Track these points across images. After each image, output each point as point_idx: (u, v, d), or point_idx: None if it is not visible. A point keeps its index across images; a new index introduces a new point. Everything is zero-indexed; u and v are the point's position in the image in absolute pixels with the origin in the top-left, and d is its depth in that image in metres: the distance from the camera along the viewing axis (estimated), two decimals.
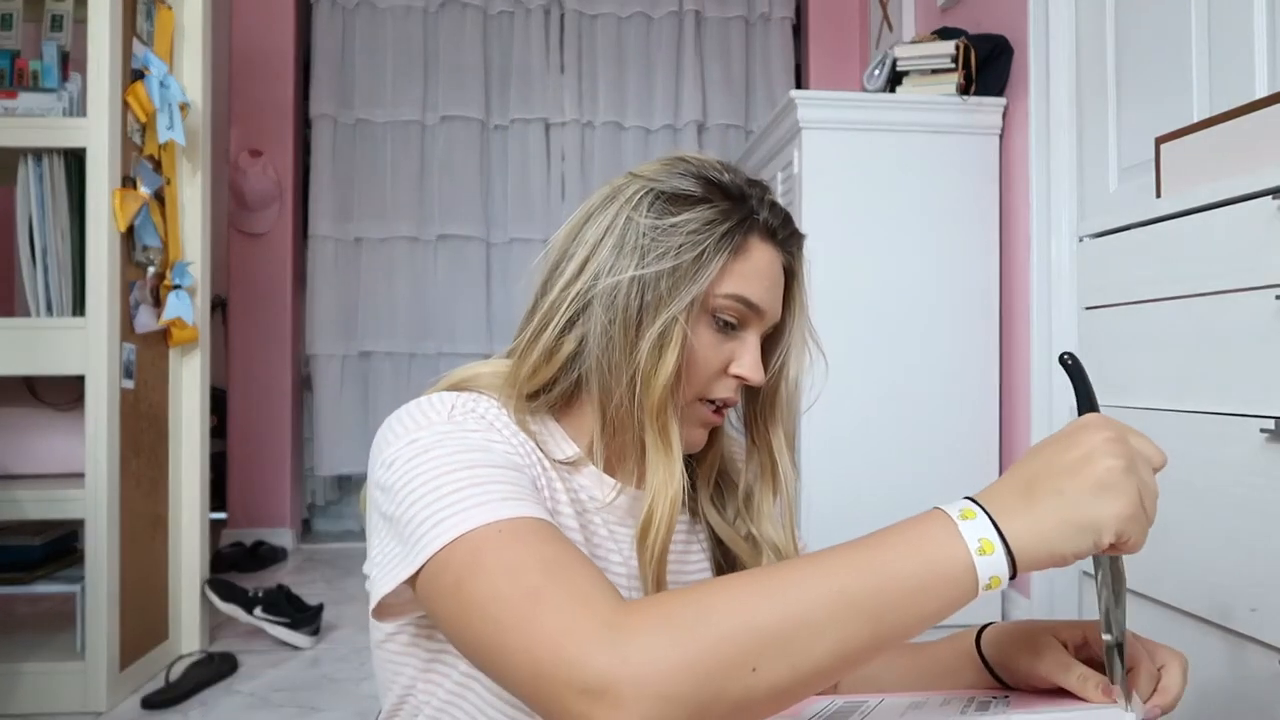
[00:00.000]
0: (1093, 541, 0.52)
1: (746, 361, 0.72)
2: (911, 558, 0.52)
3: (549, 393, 0.73)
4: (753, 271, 0.71)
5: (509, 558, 0.54)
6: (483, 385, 0.73)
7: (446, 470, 0.60)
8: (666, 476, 0.68)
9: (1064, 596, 2.06)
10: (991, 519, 0.52)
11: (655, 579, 0.69)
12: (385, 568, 0.61)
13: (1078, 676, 0.62)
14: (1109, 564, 0.58)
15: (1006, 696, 0.68)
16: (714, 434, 0.81)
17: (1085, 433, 0.54)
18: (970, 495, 0.55)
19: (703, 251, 0.68)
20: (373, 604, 0.63)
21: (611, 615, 0.50)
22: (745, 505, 0.80)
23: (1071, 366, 0.62)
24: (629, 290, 0.68)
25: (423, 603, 0.60)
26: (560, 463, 0.72)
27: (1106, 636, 0.59)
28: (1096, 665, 0.64)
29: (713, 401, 0.73)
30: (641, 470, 0.71)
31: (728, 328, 0.72)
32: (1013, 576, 0.52)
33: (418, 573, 0.58)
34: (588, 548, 0.71)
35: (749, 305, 0.71)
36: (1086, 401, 0.60)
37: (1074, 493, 0.52)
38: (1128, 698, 0.58)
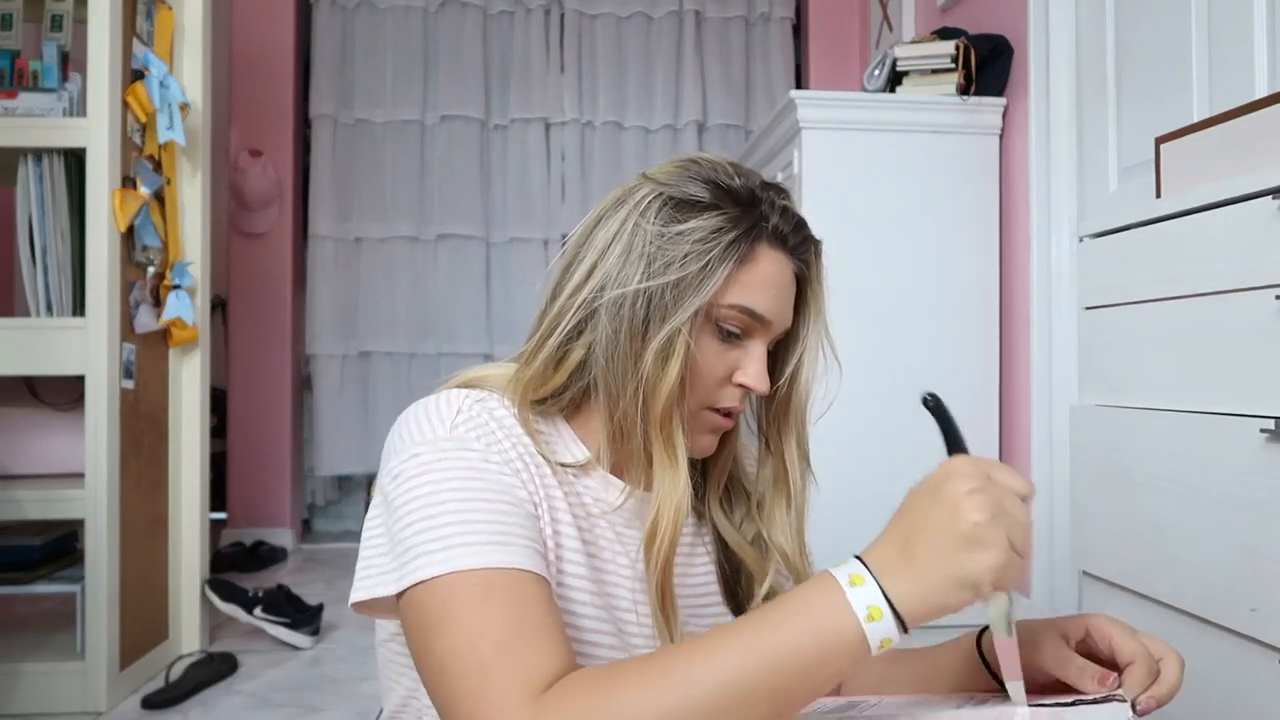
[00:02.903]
0: (972, 594, 0.54)
1: (751, 371, 0.72)
2: (805, 634, 0.54)
3: (559, 398, 0.73)
4: (759, 281, 0.70)
5: (473, 619, 0.58)
6: (492, 386, 0.73)
7: (439, 500, 0.63)
8: (671, 486, 0.69)
9: (1064, 595, 2.06)
10: (879, 583, 0.54)
11: (660, 587, 0.69)
12: (371, 575, 0.66)
13: (1075, 668, 0.63)
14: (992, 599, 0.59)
15: (1003, 696, 0.68)
16: (727, 437, 0.80)
17: (950, 483, 0.55)
18: (859, 555, 0.57)
19: (708, 262, 0.68)
20: (350, 601, 0.67)
21: (537, 710, 0.54)
22: (757, 511, 0.80)
23: (934, 407, 0.63)
24: (634, 301, 0.68)
25: (400, 618, 0.64)
26: (567, 466, 0.72)
27: (1009, 638, 0.60)
28: (1097, 659, 0.65)
29: (719, 409, 0.73)
30: (650, 475, 0.71)
31: (732, 337, 0.71)
32: (904, 632, 0.55)
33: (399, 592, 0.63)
34: (588, 551, 0.71)
35: (753, 315, 0.70)
36: (952, 443, 0.61)
37: (949, 550, 0.54)
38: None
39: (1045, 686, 0.66)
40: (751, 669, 0.54)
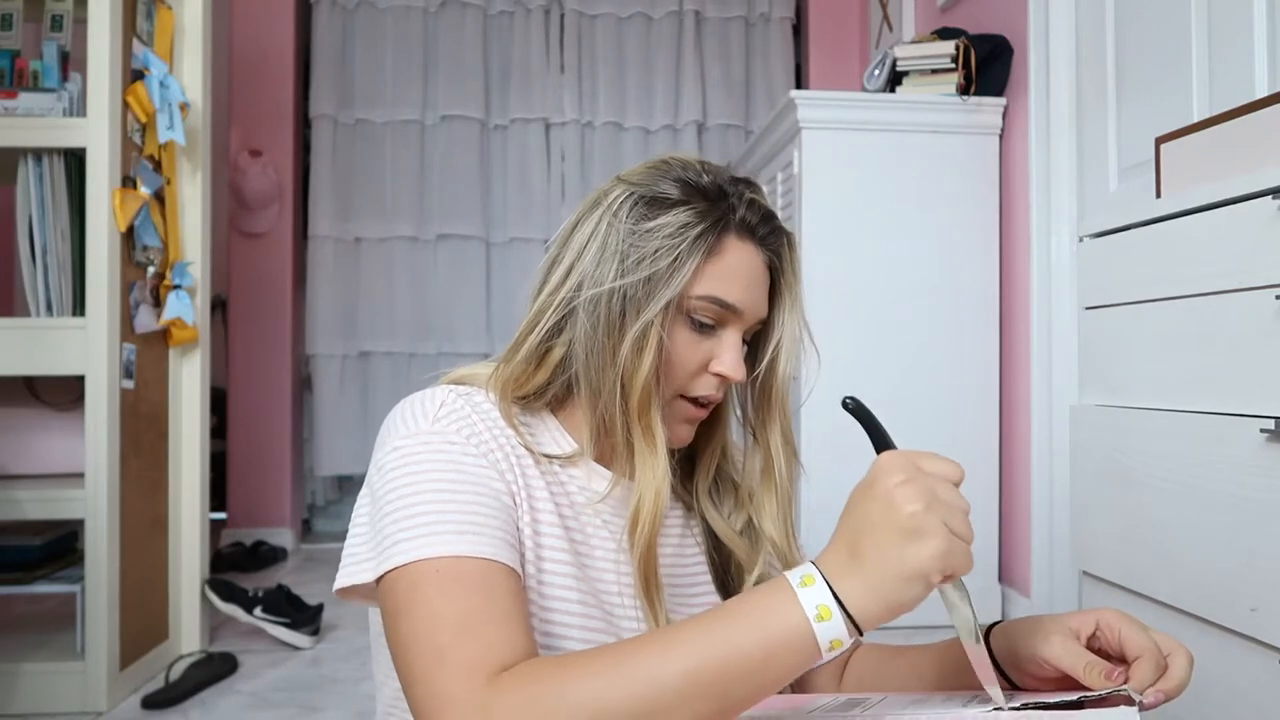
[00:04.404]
0: (923, 586, 0.55)
1: (725, 360, 0.74)
2: (755, 632, 0.55)
3: (544, 394, 0.76)
4: (728, 272, 0.73)
5: (436, 605, 0.60)
6: (480, 383, 0.76)
7: (416, 490, 0.66)
8: (651, 473, 0.71)
9: (1064, 595, 2.06)
10: (829, 584, 0.55)
11: (644, 571, 0.72)
12: (352, 562, 0.69)
13: (1085, 665, 0.63)
14: (949, 590, 0.60)
15: (1011, 694, 0.68)
16: (713, 428, 0.83)
17: (881, 480, 0.56)
18: (814, 559, 0.58)
19: (677, 256, 0.71)
20: (334, 587, 0.70)
21: (487, 694, 0.56)
22: (748, 501, 0.82)
23: (854, 410, 0.64)
24: (610, 298, 0.71)
25: (379, 604, 0.67)
26: (552, 457, 0.74)
27: (977, 645, 0.61)
28: (1105, 655, 0.65)
29: (694, 399, 0.75)
30: (634, 465, 0.73)
31: (705, 328, 0.74)
32: (860, 633, 0.55)
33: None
34: (571, 538, 0.73)
35: (724, 306, 0.73)
36: (879, 441, 0.62)
37: (890, 546, 0.54)
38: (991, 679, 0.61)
39: (1054, 682, 0.66)
40: (703, 665, 0.55)
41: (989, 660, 0.60)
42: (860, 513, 0.57)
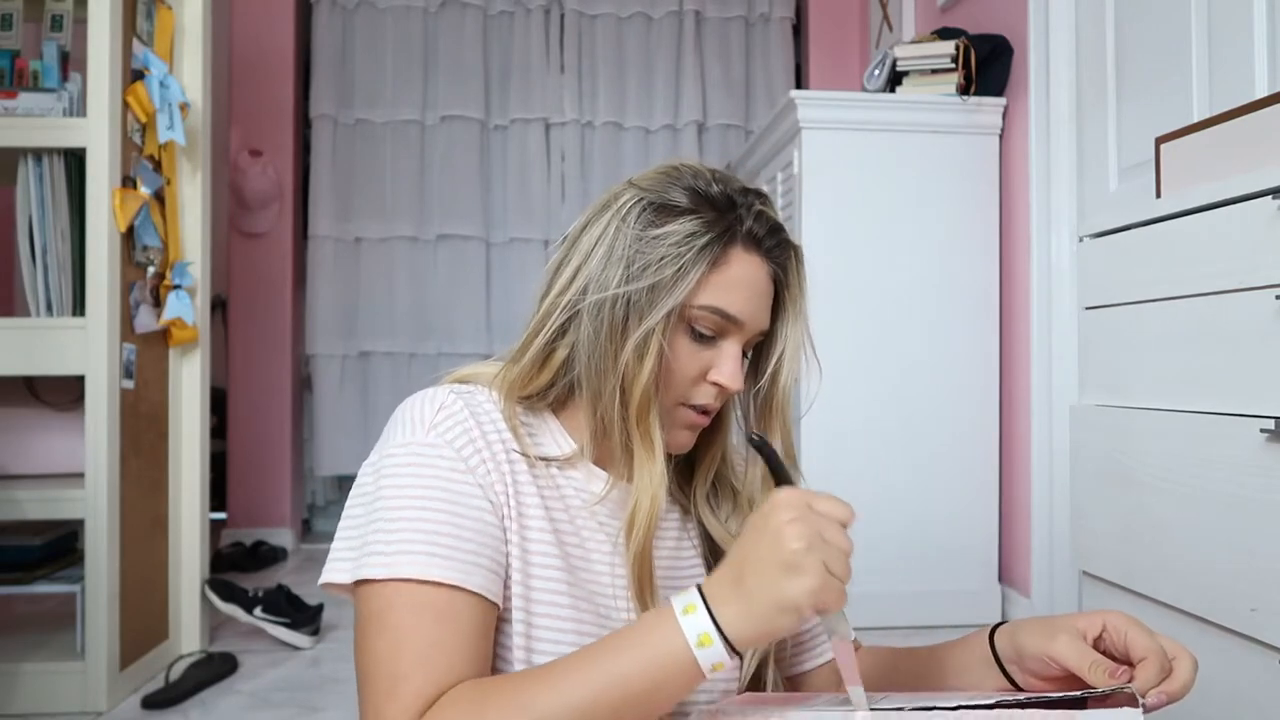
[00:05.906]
0: (796, 618, 0.58)
1: (724, 370, 0.74)
2: (642, 660, 0.59)
3: (546, 394, 0.76)
4: (732, 283, 0.73)
5: (402, 630, 0.65)
6: (484, 382, 0.77)
7: (401, 504, 0.68)
8: (648, 477, 0.72)
9: (1064, 596, 2.06)
10: (710, 611, 0.59)
11: (638, 574, 0.73)
12: (336, 560, 0.72)
13: (1090, 664, 0.64)
14: (829, 621, 0.62)
15: (1013, 694, 0.68)
16: (715, 434, 0.83)
17: (774, 515, 0.59)
18: (700, 584, 0.61)
19: (682, 265, 0.71)
20: (319, 581, 0.74)
21: None
22: (748, 508, 0.82)
23: (759, 446, 0.67)
24: (614, 303, 0.71)
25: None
26: (550, 459, 0.75)
27: (854, 685, 0.63)
28: (1110, 657, 0.66)
29: (694, 406, 0.76)
30: (632, 468, 0.74)
31: (705, 338, 0.74)
32: (739, 656, 0.60)
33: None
34: (563, 541, 0.74)
35: (725, 316, 0.73)
36: (778, 476, 0.65)
37: (770, 578, 0.58)
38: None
39: (1058, 681, 0.67)
40: (596, 692, 0.59)
41: (861, 688, 0.63)
42: (750, 543, 0.60)
